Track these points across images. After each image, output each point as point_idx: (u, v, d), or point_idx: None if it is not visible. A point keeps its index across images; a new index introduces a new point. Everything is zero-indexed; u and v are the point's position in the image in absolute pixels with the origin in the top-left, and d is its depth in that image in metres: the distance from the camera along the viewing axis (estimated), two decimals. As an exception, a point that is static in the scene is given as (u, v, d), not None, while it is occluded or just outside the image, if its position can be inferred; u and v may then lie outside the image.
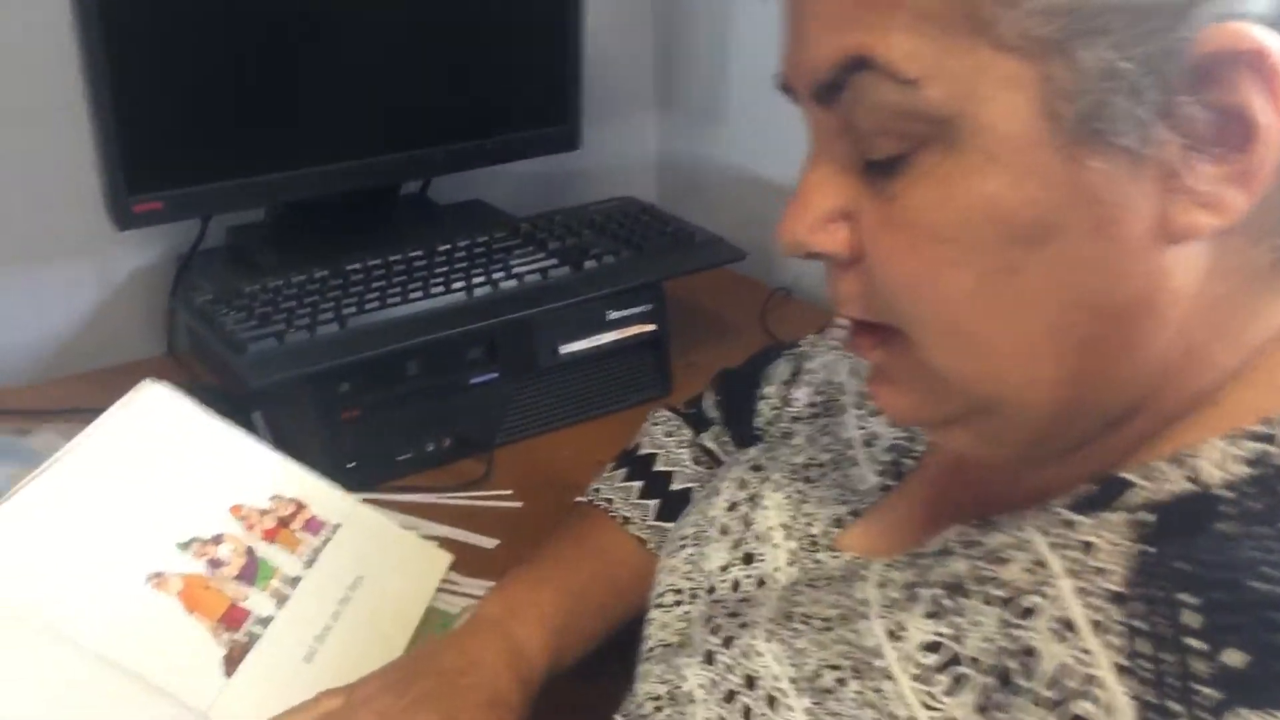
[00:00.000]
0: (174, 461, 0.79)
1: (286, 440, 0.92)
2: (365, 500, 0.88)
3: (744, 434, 0.75)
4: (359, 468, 0.97)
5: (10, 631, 0.64)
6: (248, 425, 0.90)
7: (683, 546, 0.61)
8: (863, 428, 0.60)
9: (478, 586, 0.85)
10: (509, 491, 0.97)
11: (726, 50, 1.45)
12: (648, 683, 0.53)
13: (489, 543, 0.91)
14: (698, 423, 0.81)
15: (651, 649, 0.59)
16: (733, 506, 0.60)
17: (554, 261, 1.09)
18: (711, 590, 0.57)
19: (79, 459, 0.74)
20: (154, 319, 1.24)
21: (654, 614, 0.60)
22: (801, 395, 0.68)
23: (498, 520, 0.94)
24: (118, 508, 0.73)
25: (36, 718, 0.62)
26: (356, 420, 0.97)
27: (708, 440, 0.79)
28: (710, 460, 0.78)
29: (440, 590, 0.84)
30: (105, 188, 1.00)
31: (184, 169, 1.04)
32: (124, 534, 0.72)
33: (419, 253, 1.09)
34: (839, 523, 0.56)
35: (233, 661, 0.70)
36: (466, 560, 0.88)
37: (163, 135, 1.02)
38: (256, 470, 0.83)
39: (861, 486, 0.57)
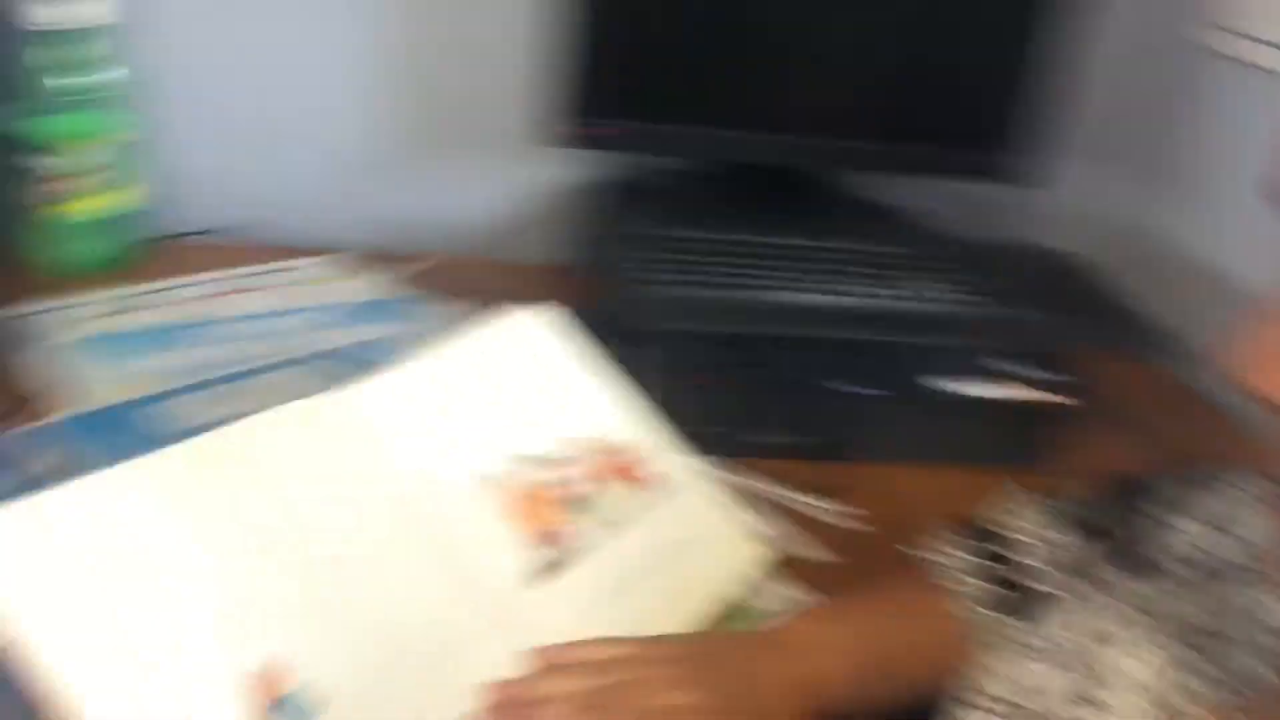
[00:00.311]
0: (536, 385, 0.81)
1: (646, 389, 0.92)
2: (709, 470, 0.87)
3: (1135, 559, 0.66)
4: (707, 436, 0.94)
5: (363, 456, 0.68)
6: (615, 360, 0.91)
7: (1019, 655, 0.55)
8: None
9: (787, 595, 0.82)
10: (863, 512, 0.92)
11: (1236, 125, 1.29)
12: None
13: (819, 554, 0.87)
14: (1073, 520, 0.73)
15: None
16: (1102, 640, 0.53)
17: (970, 293, 1.03)
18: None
19: (454, 353, 0.78)
20: (564, 231, 1.28)
21: (961, 712, 0.55)
22: (1210, 540, 0.59)
23: (822, 532, 0.90)
24: (469, 408, 0.76)
25: (352, 528, 0.65)
26: (715, 389, 0.96)
27: (1076, 544, 0.71)
28: (1073, 568, 0.70)
29: (750, 584, 0.82)
30: (564, 103, 1.04)
31: (644, 104, 1.06)
32: (468, 434, 0.75)
33: (834, 245, 1.06)
34: (1219, 712, 0.48)
35: (539, 576, 0.71)
36: (787, 565, 0.84)
37: (634, 64, 1.04)
38: (611, 412, 0.83)
39: (1250, 676, 0.49)
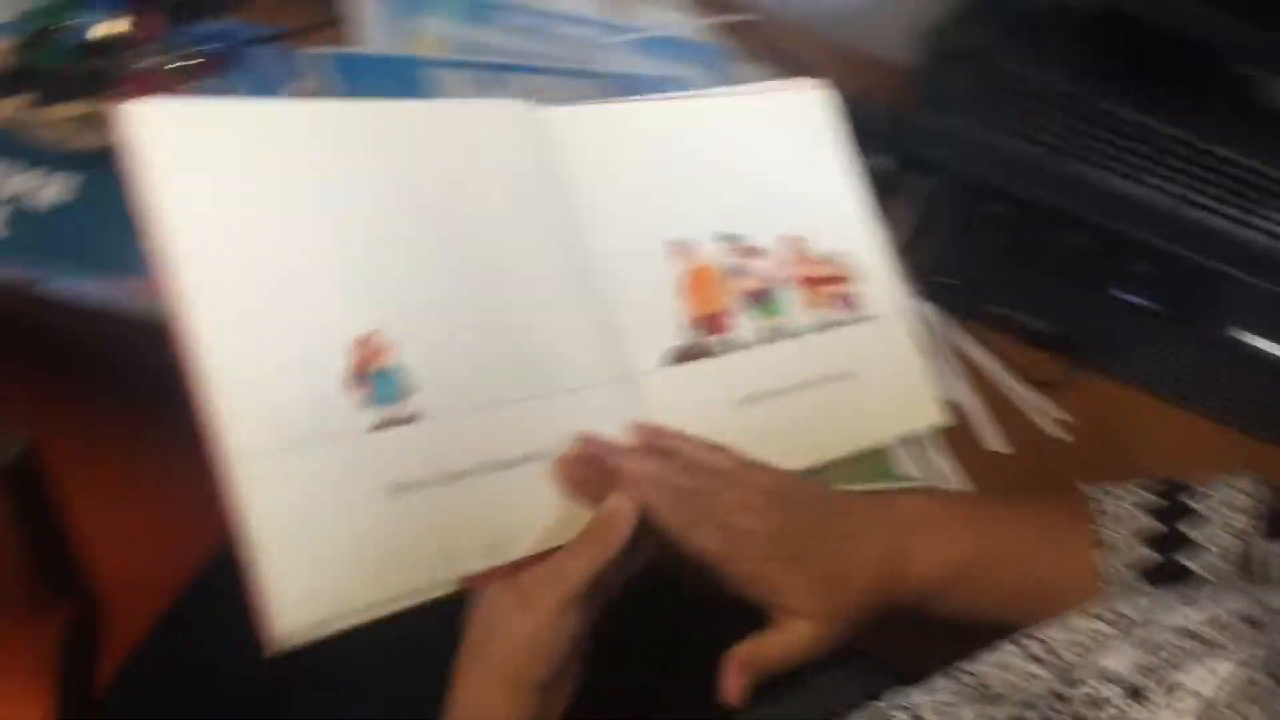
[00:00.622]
0: (771, 166, 0.75)
1: (900, 216, 0.85)
2: (924, 318, 0.80)
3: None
4: (951, 289, 0.87)
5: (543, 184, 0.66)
6: (882, 175, 0.84)
7: (1107, 620, 0.49)
8: None
9: (938, 469, 0.76)
10: (1074, 421, 0.83)
11: None
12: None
13: (997, 444, 0.80)
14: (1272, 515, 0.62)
15: (965, 672, 0.50)
16: (1190, 635, 0.46)
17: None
18: (1074, 684, 0.45)
19: (699, 107, 0.74)
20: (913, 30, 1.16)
21: (1010, 647, 0.50)
22: None
23: (1017, 425, 0.82)
24: (690, 167, 0.72)
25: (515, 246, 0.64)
26: (985, 247, 0.87)
27: (1259, 539, 0.61)
28: (1239, 561, 0.61)
29: (905, 443, 0.76)
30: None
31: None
32: (677, 191, 0.71)
33: (1210, 148, 0.88)
34: None
35: (682, 357, 0.68)
36: (957, 440, 0.78)
37: None
38: (843, 218, 0.77)
39: None
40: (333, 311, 0.57)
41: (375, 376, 0.57)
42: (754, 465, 0.63)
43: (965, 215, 0.85)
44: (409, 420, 0.57)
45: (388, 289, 0.59)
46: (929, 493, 0.63)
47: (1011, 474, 0.78)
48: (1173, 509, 0.62)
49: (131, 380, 0.74)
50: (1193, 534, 0.61)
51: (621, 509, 0.58)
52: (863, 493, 0.65)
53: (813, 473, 0.69)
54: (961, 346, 0.85)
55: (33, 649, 0.82)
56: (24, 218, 0.70)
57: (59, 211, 0.72)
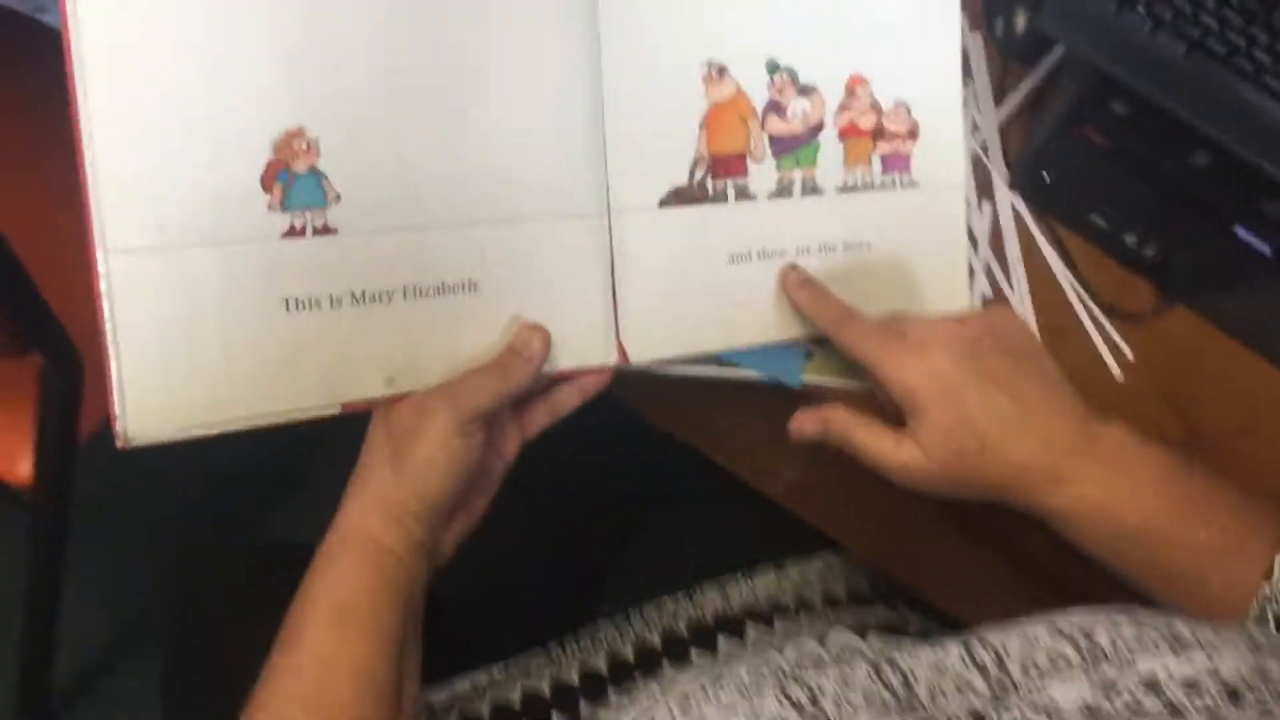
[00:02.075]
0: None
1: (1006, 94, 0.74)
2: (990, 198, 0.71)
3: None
4: (1040, 183, 0.76)
5: None
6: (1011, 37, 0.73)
7: (1076, 645, 0.44)
8: None
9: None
10: (1130, 360, 0.72)
11: None
12: None
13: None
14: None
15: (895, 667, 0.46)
16: (1154, 690, 0.40)
17: None
18: (1001, 710, 0.41)
19: None
20: None
21: (956, 649, 0.46)
22: None
23: (1074, 359, 0.71)
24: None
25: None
26: (1096, 145, 0.75)
27: None
28: None
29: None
30: None
31: None
32: (735, 6, 0.60)
33: None
34: None
35: (677, 199, 0.59)
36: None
37: None
38: (925, 66, 0.66)
39: None
40: (254, 101, 0.50)
41: (293, 179, 0.51)
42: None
43: (1082, 106, 0.73)
44: (323, 231, 0.51)
45: (323, 81, 0.51)
46: (1128, 428, 0.57)
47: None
48: None
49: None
50: None
51: (535, 340, 0.55)
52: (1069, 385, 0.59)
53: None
54: (1038, 252, 0.76)
55: (8, 394, 0.82)
56: None
57: None
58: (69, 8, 0.46)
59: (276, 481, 1.39)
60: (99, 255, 0.47)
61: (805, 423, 0.61)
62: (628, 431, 0.78)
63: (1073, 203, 0.76)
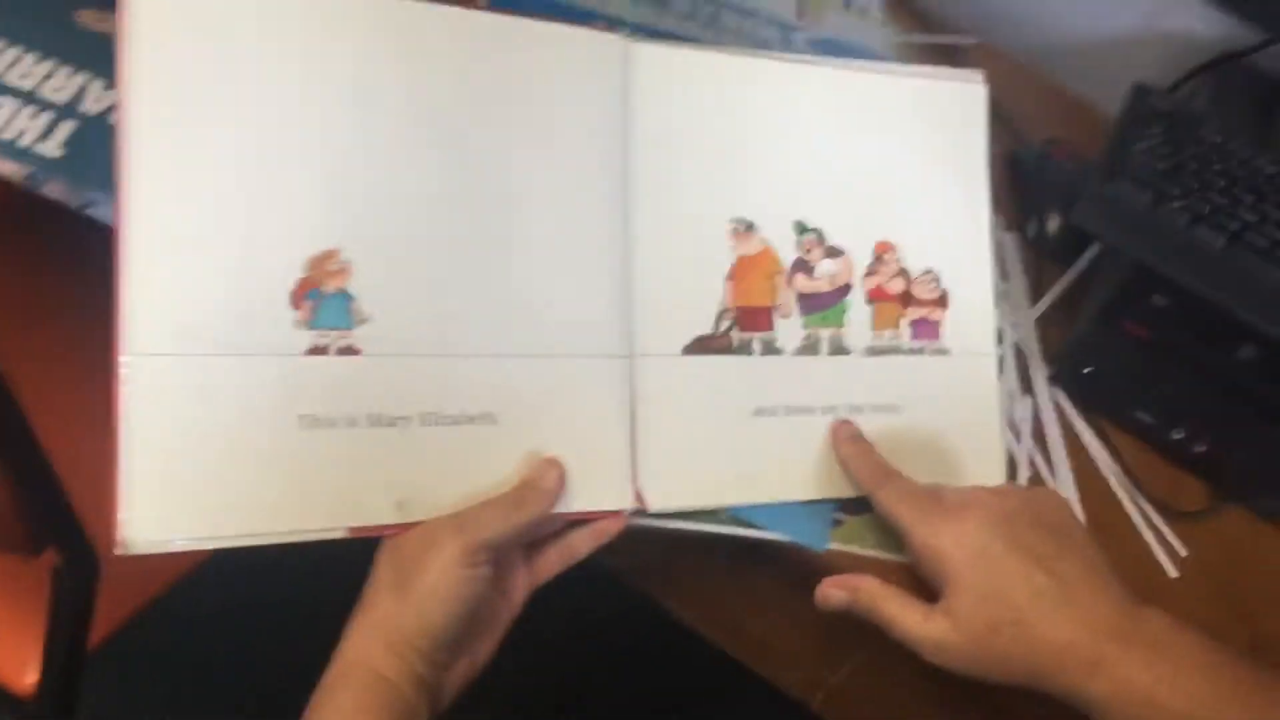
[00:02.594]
0: (903, 158, 0.65)
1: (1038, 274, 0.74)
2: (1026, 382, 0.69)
3: None
4: (1082, 378, 0.74)
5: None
6: (1051, 232, 0.73)
7: None
8: None
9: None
10: (1185, 556, 0.69)
11: None
12: None
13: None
14: None
15: None
16: None
17: None
18: None
19: (846, 77, 0.64)
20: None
21: None
22: None
23: (1128, 558, 0.68)
24: (794, 143, 0.63)
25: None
26: (1137, 338, 0.73)
27: None
28: None
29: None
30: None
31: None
32: (766, 168, 0.62)
33: None
34: None
35: (705, 346, 0.59)
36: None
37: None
38: (955, 235, 0.66)
39: None
40: (292, 220, 0.51)
41: (322, 299, 0.52)
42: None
43: (1122, 300, 0.73)
44: (347, 351, 0.52)
45: (362, 208, 0.52)
46: (1174, 620, 0.53)
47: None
48: None
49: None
50: None
51: (551, 475, 0.54)
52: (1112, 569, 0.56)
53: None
54: (1082, 447, 0.74)
55: (18, 593, 0.78)
56: (90, 135, 0.64)
57: None
58: (124, 105, 0.48)
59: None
60: (122, 358, 0.48)
61: (832, 590, 0.58)
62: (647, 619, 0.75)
63: (1117, 397, 0.75)
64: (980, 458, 0.65)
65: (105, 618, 0.78)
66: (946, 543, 0.55)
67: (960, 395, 0.65)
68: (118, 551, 0.48)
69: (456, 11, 0.55)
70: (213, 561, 0.85)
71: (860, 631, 0.68)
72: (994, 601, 0.53)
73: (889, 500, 0.58)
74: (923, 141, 0.66)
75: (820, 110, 0.64)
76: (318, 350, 0.51)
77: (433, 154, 0.54)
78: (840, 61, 0.65)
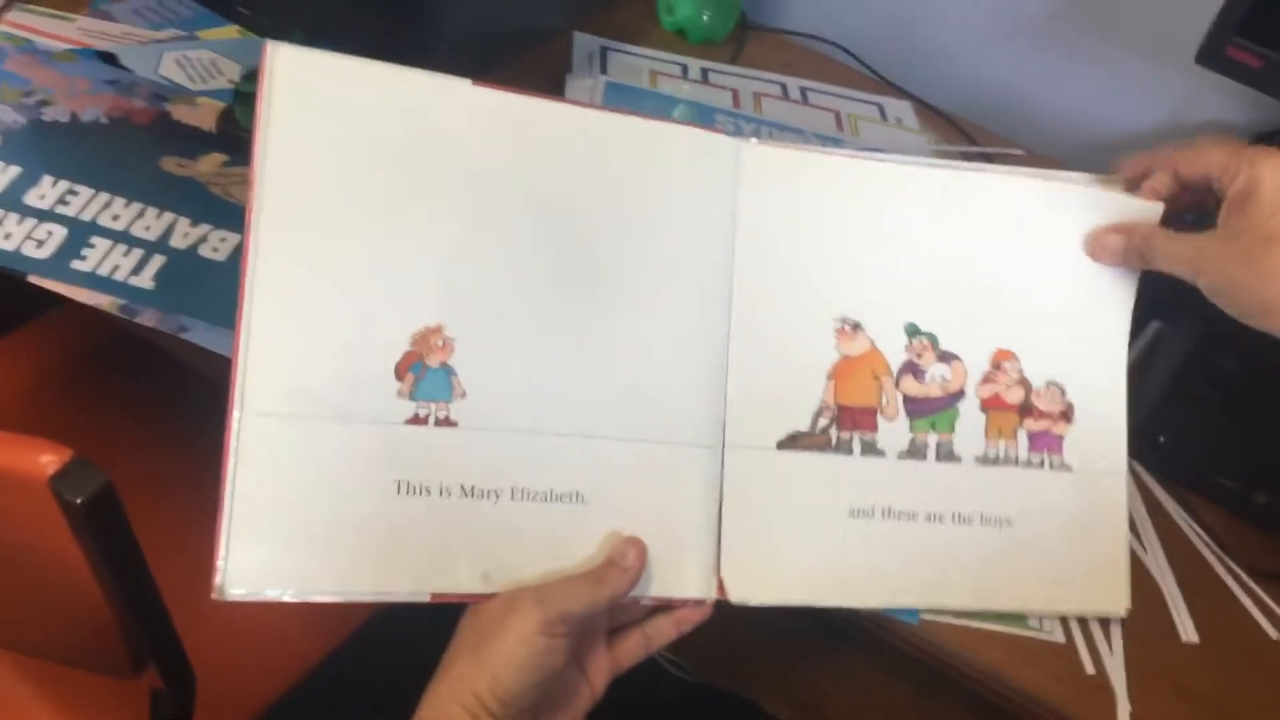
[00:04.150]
0: (1028, 265, 0.63)
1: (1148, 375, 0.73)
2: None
3: None
4: (1158, 448, 0.73)
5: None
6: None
7: None
8: None
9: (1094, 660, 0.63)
10: None
11: None
12: None
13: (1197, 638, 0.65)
14: None
15: None
16: None
17: None
18: None
19: (967, 181, 0.63)
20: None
21: None
22: None
23: (1232, 627, 0.66)
24: (908, 247, 0.62)
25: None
26: (1210, 403, 0.72)
27: None
28: None
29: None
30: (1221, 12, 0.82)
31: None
32: (877, 270, 0.62)
33: None
34: None
35: (800, 443, 0.59)
36: (1142, 627, 0.64)
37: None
38: (1084, 348, 0.63)
39: None
40: (402, 296, 0.54)
41: (425, 372, 0.54)
42: None
43: (1189, 365, 0.73)
44: (445, 423, 0.54)
45: (468, 287, 0.55)
46: None
47: (1207, 673, 0.64)
48: None
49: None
50: None
51: (631, 554, 0.55)
52: None
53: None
54: (1167, 515, 0.73)
55: (116, 714, 0.80)
56: (179, 268, 0.70)
57: (219, 267, 0.70)
58: (255, 178, 0.52)
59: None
60: (235, 414, 0.51)
61: (1110, 236, 0.62)
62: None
63: (1195, 465, 0.74)
64: (1101, 580, 0.63)
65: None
66: (1269, 162, 0.56)
67: (1083, 515, 0.62)
68: (213, 597, 0.50)
69: (571, 108, 0.58)
70: (304, 693, 0.86)
71: (960, 713, 0.67)
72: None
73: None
74: (1062, 251, 0.64)
75: (939, 214, 0.63)
76: (417, 420, 0.54)
77: (539, 241, 0.56)
78: (953, 164, 0.65)
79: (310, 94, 0.53)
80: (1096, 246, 0.62)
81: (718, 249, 0.59)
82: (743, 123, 0.93)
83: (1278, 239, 0.55)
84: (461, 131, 0.55)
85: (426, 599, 0.53)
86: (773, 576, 0.58)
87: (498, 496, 0.54)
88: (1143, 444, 0.72)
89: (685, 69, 1.01)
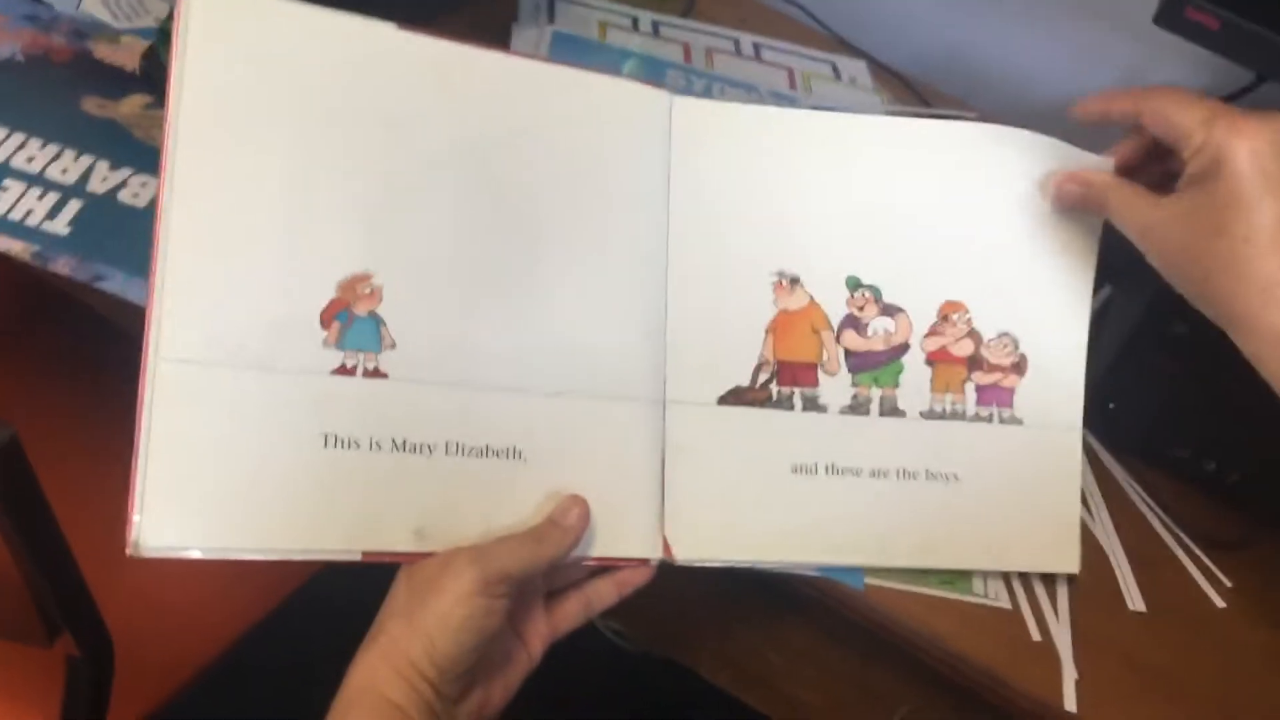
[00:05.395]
0: (977, 214, 0.61)
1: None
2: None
3: None
4: (1108, 415, 0.71)
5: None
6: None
7: None
8: None
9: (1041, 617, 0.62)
10: (1228, 584, 0.67)
11: None
12: None
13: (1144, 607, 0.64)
14: None
15: None
16: None
17: None
18: None
19: (910, 129, 0.62)
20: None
21: None
22: None
23: (1175, 593, 0.66)
24: (850, 199, 0.60)
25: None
26: (1161, 371, 0.70)
27: None
28: None
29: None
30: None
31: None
32: (816, 222, 0.60)
33: None
34: None
35: (741, 398, 0.58)
36: (1089, 594, 0.64)
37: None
38: (1040, 298, 0.62)
39: None
40: (327, 241, 0.51)
41: (352, 320, 0.52)
42: None
43: (1140, 330, 0.72)
44: (374, 374, 0.52)
45: (397, 234, 0.53)
46: None
47: (1154, 642, 0.63)
48: None
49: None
50: None
51: (574, 513, 0.52)
52: None
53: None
54: (1115, 483, 0.72)
55: (30, 685, 0.77)
56: (97, 213, 0.66)
57: (139, 214, 0.67)
58: (170, 117, 0.49)
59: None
60: (150, 360, 0.48)
61: (1068, 185, 0.59)
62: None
63: (1144, 432, 0.73)
64: (1051, 537, 0.61)
65: (121, 710, 0.76)
66: (1240, 144, 0.52)
67: (1034, 469, 0.61)
68: (128, 552, 0.47)
69: (498, 55, 0.56)
70: (231, 661, 0.83)
71: (904, 681, 0.66)
72: (1244, 211, 0.52)
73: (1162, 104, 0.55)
74: (1015, 198, 0.62)
75: (879, 164, 0.61)
76: (345, 371, 0.51)
77: (470, 190, 0.54)
78: (894, 117, 0.63)
79: (229, 31, 0.50)
80: (1054, 194, 0.60)
81: (653, 203, 0.58)
82: (694, 77, 0.91)
83: (1226, 233, 0.52)
84: (386, 76, 0.53)
85: (358, 558, 0.50)
86: (718, 535, 0.56)
87: (431, 450, 0.52)
88: (1092, 410, 0.71)
89: (636, 21, 0.98)
